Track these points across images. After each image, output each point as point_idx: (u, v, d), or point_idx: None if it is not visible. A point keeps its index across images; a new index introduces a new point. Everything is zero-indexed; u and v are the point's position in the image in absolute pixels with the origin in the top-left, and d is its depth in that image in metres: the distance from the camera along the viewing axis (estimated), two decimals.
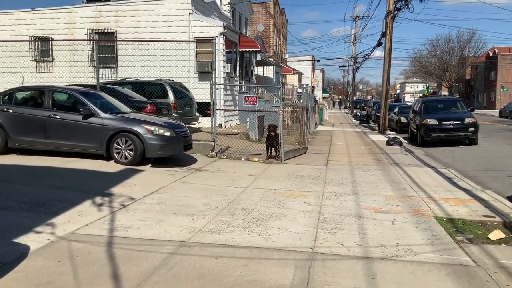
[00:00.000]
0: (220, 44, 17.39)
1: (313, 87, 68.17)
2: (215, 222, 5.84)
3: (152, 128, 9.29)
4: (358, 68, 53.62)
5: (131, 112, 10.40)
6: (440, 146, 16.32)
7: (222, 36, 17.60)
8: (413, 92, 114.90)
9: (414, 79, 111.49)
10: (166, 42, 15.94)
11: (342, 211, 6.57)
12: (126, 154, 9.27)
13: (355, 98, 69.34)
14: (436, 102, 18.73)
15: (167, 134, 9.41)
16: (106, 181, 7.98)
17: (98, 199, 6.73)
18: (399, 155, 13.75)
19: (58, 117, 9.48)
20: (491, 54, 70.46)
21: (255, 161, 11.46)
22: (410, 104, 29.95)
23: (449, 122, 16.38)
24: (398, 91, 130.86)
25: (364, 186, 8.59)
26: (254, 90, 22.19)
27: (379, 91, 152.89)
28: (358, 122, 34.89)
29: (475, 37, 72.26)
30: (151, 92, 14.58)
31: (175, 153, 9.83)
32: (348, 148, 15.73)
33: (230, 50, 19.91)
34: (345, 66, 62.93)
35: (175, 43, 16.81)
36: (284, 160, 11.56)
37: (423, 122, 16.67)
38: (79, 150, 9.50)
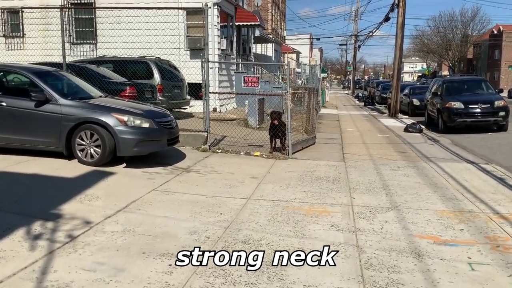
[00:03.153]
0: (214, 16, 15.15)
1: (312, 66, 65.77)
2: (205, 273, 3.80)
3: (125, 117, 7.17)
4: (359, 46, 51.19)
5: (101, 96, 8.25)
6: (465, 133, 14.30)
7: (216, 7, 15.34)
8: (411, 71, 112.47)
9: (413, 58, 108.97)
10: (151, 10, 13.72)
11: (389, 244, 4.54)
12: (92, 151, 7.17)
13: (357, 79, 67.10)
14: (459, 83, 16.61)
15: (146, 125, 7.31)
16: (58, 192, 5.91)
17: (37, 226, 4.66)
18: (424, 146, 11.72)
19: (4, 104, 7.32)
20: (495, 32, 67.97)
21: (257, 155, 9.39)
22: (421, 84, 27.88)
23: (476, 106, 14.31)
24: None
25: (402, 194, 6.55)
26: (252, 69, 19.99)
27: (377, 71, 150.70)
28: (362, 103, 32.78)
29: (479, 14, 69.70)
30: (134, 72, 12.42)
31: (156, 149, 7.73)
32: (362, 136, 13.66)
33: (226, 24, 17.64)
34: (346, 44, 60.48)
35: (162, 15, 14.60)
36: (292, 154, 9.49)
37: (447, 105, 14.59)
38: (31, 147, 7.39)
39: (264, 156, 9.36)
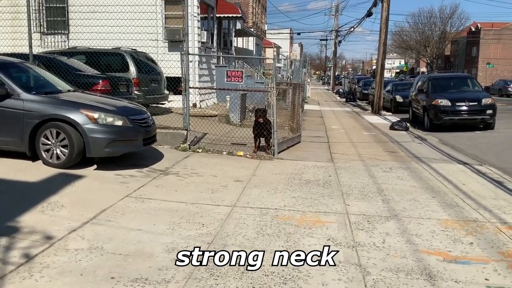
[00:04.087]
0: (194, 6, 14.43)
1: (291, 61, 65.36)
2: None
3: (95, 114, 6.46)
4: (340, 42, 50.89)
5: (70, 91, 7.51)
6: (452, 131, 13.99)
7: None
8: (389, 68, 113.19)
9: (391, 54, 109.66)
10: None
11: (395, 262, 4.01)
12: (59, 152, 6.45)
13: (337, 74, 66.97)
14: (445, 79, 16.26)
15: (119, 123, 6.62)
16: (16, 200, 5.20)
17: None
18: (412, 144, 11.30)
19: None
20: (473, 29, 68.68)
21: (241, 155, 8.78)
22: (400, 81, 27.74)
23: (463, 104, 14.00)
24: (374, 67, 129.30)
25: (399, 199, 6.05)
26: (234, 63, 19.33)
27: (355, 67, 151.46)
28: (344, 100, 32.44)
29: (457, 11, 70.32)
30: (108, 65, 11.66)
31: (130, 150, 7.03)
32: (347, 134, 13.19)
33: (206, 16, 16.94)
34: (326, 39, 60.19)
35: (139, 4, 13.85)
36: (278, 154, 8.93)
37: (433, 103, 14.23)
38: None
39: (248, 156, 8.76)
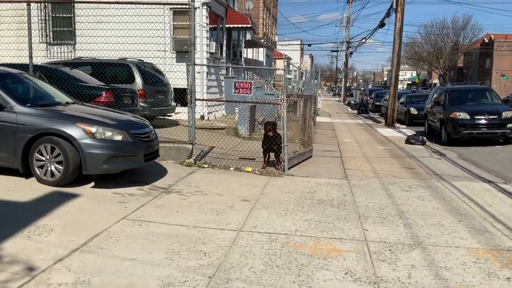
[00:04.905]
0: (202, 16, 14.08)
1: (302, 73, 65.04)
2: None
3: (93, 128, 6.03)
4: (351, 53, 50.41)
5: (68, 103, 7.09)
6: (470, 145, 13.35)
7: (205, 7, 14.26)
8: (401, 79, 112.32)
9: (403, 66, 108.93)
10: (134, 10, 12.64)
11: None
12: (53, 169, 6.02)
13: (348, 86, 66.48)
14: (463, 92, 15.66)
15: (118, 138, 6.17)
16: (1, 222, 4.74)
17: None
18: (431, 160, 10.72)
19: None
20: (486, 41, 67.86)
21: (249, 171, 8.29)
22: (419, 92, 27.18)
23: (483, 117, 13.37)
24: (385, 78, 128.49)
25: (422, 224, 5.50)
26: (243, 74, 18.93)
27: (366, 78, 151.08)
28: (355, 111, 31.86)
29: (470, 23, 69.59)
30: (113, 75, 11.34)
31: (130, 167, 6.56)
32: (361, 148, 12.64)
33: (215, 26, 16.58)
34: (337, 50, 59.82)
35: (146, 14, 13.51)
36: (288, 169, 8.42)
37: (451, 116, 13.64)
38: None
39: (256, 172, 8.26)
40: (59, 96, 7.33)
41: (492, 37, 66.27)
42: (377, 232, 5.12)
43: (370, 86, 76.58)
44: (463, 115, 13.40)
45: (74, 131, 5.92)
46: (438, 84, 77.10)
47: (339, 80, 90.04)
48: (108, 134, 6.10)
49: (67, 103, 7.07)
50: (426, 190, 7.36)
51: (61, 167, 5.97)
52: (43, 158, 6.03)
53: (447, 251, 4.59)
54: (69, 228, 4.74)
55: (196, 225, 5.08)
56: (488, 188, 7.73)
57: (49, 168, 6.02)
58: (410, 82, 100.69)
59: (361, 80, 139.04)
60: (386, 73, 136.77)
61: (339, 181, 7.91)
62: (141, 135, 6.50)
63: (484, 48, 67.20)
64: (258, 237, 4.82)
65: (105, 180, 6.45)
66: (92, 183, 6.37)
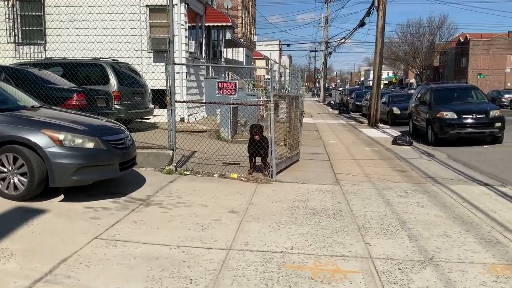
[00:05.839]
0: (181, 14, 13.44)
1: (280, 73, 64.73)
2: None
3: (60, 135, 5.37)
4: (330, 53, 50.32)
5: (34, 107, 6.40)
6: (458, 145, 13.07)
7: (183, 4, 13.62)
8: None
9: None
10: (108, 7, 11.93)
11: None
12: (16, 181, 5.35)
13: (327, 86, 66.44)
14: (449, 91, 15.38)
15: (89, 145, 5.53)
16: None
17: None
18: (421, 162, 10.34)
19: None
20: (462, 40, 68.75)
21: (234, 178, 7.72)
22: (398, 92, 27.11)
23: (470, 116, 13.09)
24: (362, 78, 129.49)
25: (428, 235, 5.03)
26: (223, 74, 18.33)
27: (343, 78, 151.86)
28: (336, 111, 31.60)
29: (446, 22, 70.37)
30: (86, 77, 10.63)
31: (103, 177, 5.90)
32: (348, 150, 12.20)
33: (194, 24, 15.95)
34: (316, 51, 59.70)
35: (121, 12, 12.83)
36: (276, 174, 7.88)
37: (438, 115, 13.33)
38: None
39: (243, 178, 7.70)
40: (24, 99, 6.63)
41: (468, 36, 67.20)
42: (381, 247, 4.62)
43: (348, 86, 76.86)
44: (450, 115, 13.10)
45: (39, 139, 5.25)
46: (415, 84, 77.83)
47: (317, 80, 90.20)
48: (78, 141, 5.45)
49: (33, 107, 6.39)
50: (424, 196, 6.92)
51: (25, 180, 5.31)
52: (5, 170, 5.36)
53: (462, 268, 4.12)
54: (32, 252, 4.10)
55: (180, 244, 4.49)
56: (487, 192, 7.33)
57: (11, 181, 5.35)
58: (387, 82, 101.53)
59: (338, 80, 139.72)
60: (363, 73, 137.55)
61: (331, 187, 7.41)
62: (115, 142, 5.86)
63: (459, 48, 68.09)
64: (251, 256, 4.26)
65: (76, 192, 5.80)
66: (62, 196, 5.72)
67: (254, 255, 4.30)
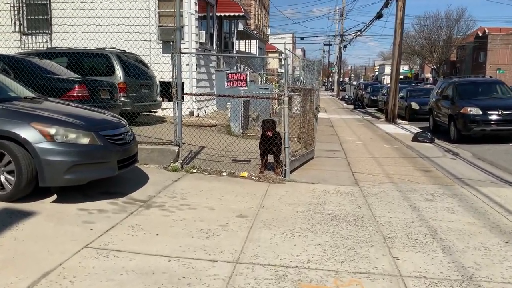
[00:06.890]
0: (191, 3, 12.87)
1: (294, 67, 63.86)
2: None
3: (52, 130, 4.84)
4: (345, 46, 49.38)
5: (27, 98, 5.89)
6: (482, 143, 12.34)
7: None
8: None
9: None
10: None
11: None
12: (3, 180, 4.84)
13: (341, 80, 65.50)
14: (473, 85, 14.61)
15: (84, 141, 4.99)
16: None
17: None
18: (445, 161, 9.66)
19: None
20: (480, 34, 67.12)
21: (244, 177, 7.15)
22: (419, 86, 26.30)
23: (496, 112, 12.34)
24: (377, 73, 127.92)
25: (463, 247, 4.41)
26: (235, 67, 17.74)
27: (357, 73, 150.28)
28: (351, 106, 30.83)
29: (464, 16, 68.75)
30: (92, 67, 10.16)
31: (100, 176, 5.36)
32: (366, 147, 11.54)
33: (205, 14, 15.37)
34: (331, 44, 58.75)
35: (129, 1, 12.29)
36: (290, 173, 7.29)
37: (461, 111, 12.59)
38: None
39: (253, 177, 7.13)
40: (19, 90, 6.13)
41: (486, 30, 65.56)
42: (411, 262, 4.01)
43: (362, 81, 75.66)
44: (475, 111, 12.36)
45: (28, 133, 4.73)
46: (431, 79, 76.26)
47: (331, 74, 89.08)
48: (72, 136, 4.92)
49: (26, 98, 5.87)
50: (453, 200, 6.28)
51: (12, 178, 4.79)
52: None
53: None
54: (11, 264, 3.58)
55: (180, 255, 3.94)
56: None
57: None
58: (402, 76, 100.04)
59: (352, 75, 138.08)
60: (378, 67, 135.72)
61: (349, 188, 6.80)
62: (114, 137, 5.32)
63: (477, 42, 66.46)
64: (261, 272, 3.69)
65: (71, 192, 5.28)
66: (55, 196, 5.21)
67: (265, 270, 3.73)
